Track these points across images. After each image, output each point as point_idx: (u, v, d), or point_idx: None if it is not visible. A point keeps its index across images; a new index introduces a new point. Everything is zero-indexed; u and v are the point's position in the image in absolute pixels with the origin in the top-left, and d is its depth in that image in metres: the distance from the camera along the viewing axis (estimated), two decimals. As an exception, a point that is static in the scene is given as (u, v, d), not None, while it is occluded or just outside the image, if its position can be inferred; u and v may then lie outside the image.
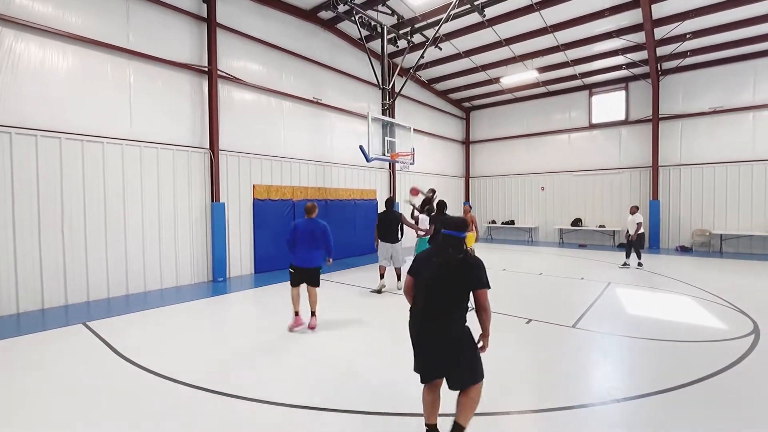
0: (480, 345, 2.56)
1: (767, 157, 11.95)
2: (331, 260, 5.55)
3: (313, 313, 5.32)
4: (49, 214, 6.32)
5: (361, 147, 8.80)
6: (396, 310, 6.12)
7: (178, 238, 7.99)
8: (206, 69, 8.36)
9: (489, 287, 2.45)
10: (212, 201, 8.47)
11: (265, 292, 7.52)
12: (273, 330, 5.26)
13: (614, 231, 14.49)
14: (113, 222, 7.06)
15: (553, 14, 10.55)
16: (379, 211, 8.79)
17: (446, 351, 2.44)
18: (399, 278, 7.74)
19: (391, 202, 7.68)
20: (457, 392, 2.52)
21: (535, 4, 10.04)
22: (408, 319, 2.62)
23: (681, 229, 13.34)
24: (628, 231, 9.98)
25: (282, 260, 9.83)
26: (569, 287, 7.77)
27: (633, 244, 9.86)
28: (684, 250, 12.97)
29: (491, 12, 10.20)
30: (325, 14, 10.64)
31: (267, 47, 9.69)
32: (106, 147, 6.98)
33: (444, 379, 2.54)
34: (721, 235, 12.50)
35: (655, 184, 13.46)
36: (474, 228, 7.66)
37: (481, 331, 2.56)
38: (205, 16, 8.38)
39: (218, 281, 8.37)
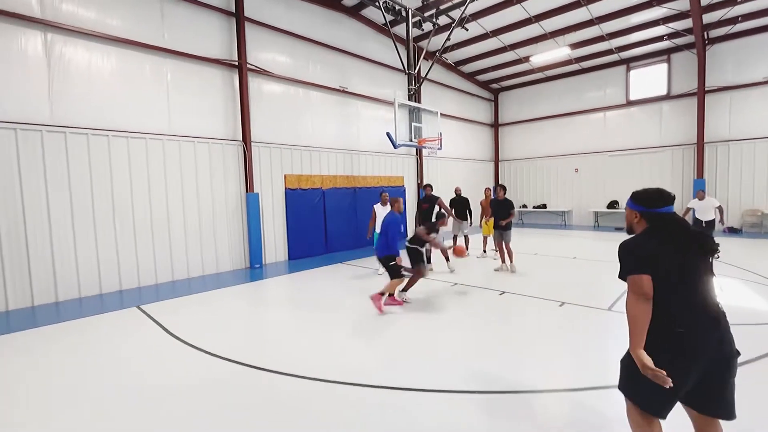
0: None
1: (830, 129, 10.95)
2: (398, 258, 5.45)
3: (383, 294, 5.35)
4: (101, 207, 6.83)
5: (388, 134, 8.82)
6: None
7: (217, 227, 8.41)
8: (236, 63, 8.61)
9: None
10: (247, 191, 8.81)
11: (299, 277, 7.82)
12: (308, 310, 5.50)
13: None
14: (157, 213, 7.52)
15: (586, -15, 10.03)
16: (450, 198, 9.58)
17: (731, 367, 1.84)
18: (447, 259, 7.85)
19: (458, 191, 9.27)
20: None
21: (567, -25, 9.56)
22: (662, 334, 1.83)
23: (729, 210, 12.52)
24: (694, 217, 8.56)
25: (314, 247, 10.16)
26: (604, 271, 7.56)
27: (709, 229, 8.30)
28: (733, 231, 12.22)
29: (520, -13, 9.83)
30: (349, 1, 10.61)
31: (293, 38, 9.83)
32: (149, 143, 7.40)
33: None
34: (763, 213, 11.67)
35: (701, 162, 12.67)
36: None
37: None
38: (234, 11, 8.60)
39: (255, 268, 8.77)
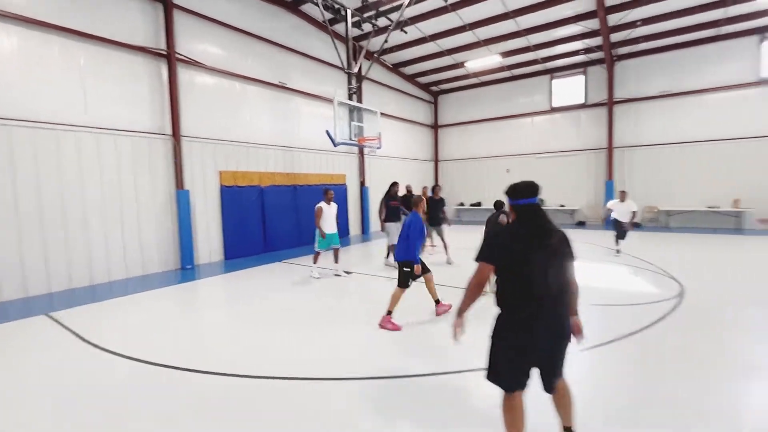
0: (575, 329, 2.25)
1: (709, 138, 12.90)
2: (417, 267, 4.68)
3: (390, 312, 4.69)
4: (2, 206, 6.11)
5: (327, 132, 8.86)
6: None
7: (143, 227, 7.88)
8: (165, 52, 8.12)
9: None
10: (177, 188, 8.36)
11: (234, 277, 7.61)
12: (237, 309, 5.42)
13: (573, 210, 15.31)
14: (72, 211, 6.88)
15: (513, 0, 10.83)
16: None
17: (560, 346, 2.15)
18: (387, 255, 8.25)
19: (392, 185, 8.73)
20: (551, 390, 2.27)
21: (496, -11, 10.26)
22: (508, 317, 2.15)
23: (633, 207, 14.27)
24: (612, 217, 8.77)
25: (252, 246, 9.91)
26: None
27: (621, 231, 8.66)
28: (636, 225, 13.89)
29: (453, -4, 10.36)
30: (288, -4, 10.46)
31: (227, 29, 9.47)
32: (60, 134, 6.74)
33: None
34: (668, 211, 13.51)
35: (610, 165, 14.28)
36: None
37: (573, 316, 2.27)
38: (160, -3, 8.10)
39: (186, 269, 8.36)
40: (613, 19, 11.54)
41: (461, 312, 2.28)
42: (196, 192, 8.86)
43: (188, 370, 3.61)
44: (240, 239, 9.64)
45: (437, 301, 5.07)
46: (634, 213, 8.59)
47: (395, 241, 7.92)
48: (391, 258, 8.15)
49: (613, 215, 8.76)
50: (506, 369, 2.16)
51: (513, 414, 2.17)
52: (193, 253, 8.64)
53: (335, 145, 8.91)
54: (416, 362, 3.67)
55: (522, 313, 2.10)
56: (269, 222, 10.37)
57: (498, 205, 6.37)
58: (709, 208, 12.80)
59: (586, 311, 5.01)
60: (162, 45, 8.14)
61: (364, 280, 7.15)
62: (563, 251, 2.16)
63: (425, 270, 4.95)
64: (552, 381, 2.22)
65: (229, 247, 9.44)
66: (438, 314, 4.99)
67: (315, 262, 7.35)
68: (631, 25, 11.88)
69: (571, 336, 2.20)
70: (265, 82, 10.37)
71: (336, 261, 7.48)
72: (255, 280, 7.36)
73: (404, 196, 9.22)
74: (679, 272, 6.85)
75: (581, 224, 14.90)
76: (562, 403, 2.29)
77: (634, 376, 3.36)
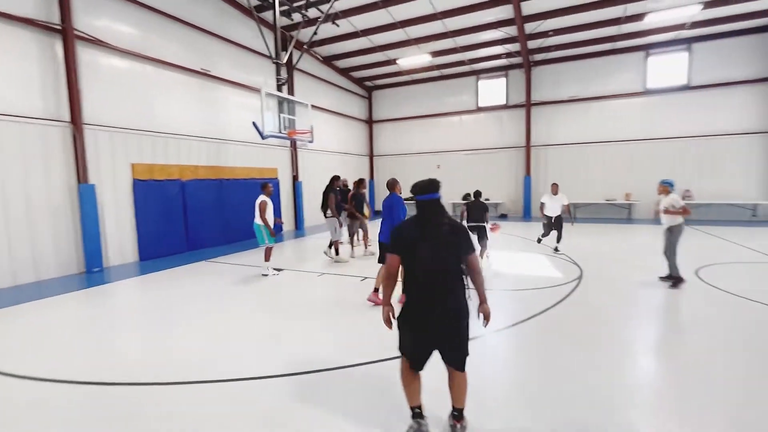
0: (482, 315, 2.42)
1: (607, 139, 14.68)
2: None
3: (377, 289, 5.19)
4: None
5: (254, 123, 8.50)
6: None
7: (35, 226, 6.91)
8: (59, 27, 7.14)
9: (475, 250, 2.40)
10: (79, 182, 7.45)
11: (151, 279, 7.02)
12: (158, 315, 5.04)
13: (497, 203, 16.48)
14: (-62, 209, 5.81)
15: (441, 1, 11.26)
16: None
17: (454, 329, 2.35)
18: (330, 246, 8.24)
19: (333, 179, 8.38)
20: (449, 373, 2.47)
21: (424, -10, 10.59)
22: (407, 303, 2.37)
23: (547, 200, 15.78)
24: (546, 214, 8.51)
25: (172, 245, 9.21)
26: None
27: (556, 227, 8.44)
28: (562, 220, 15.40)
29: (384, -7, 10.49)
30: (209, -23, 9.77)
31: (140, 8, 8.61)
32: None
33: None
34: (575, 203, 15.14)
35: (528, 161, 15.60)
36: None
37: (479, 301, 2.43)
38: (52, -37, 7.09)
39: (93, 272, 7.51)
40: (530, 27, 12.55)
41: (385, 302, 2.49)
42: (104, 186, 7.97)
43: (99, 383, 3.29)
44: (158, 238, 8.89)
45: (375, 290, 5.19)
46: (566, 206, 8.25)
47: (339, 236, 8.06)
48: (333, 251, 8.17)
49: (546, 210, 8.42)
50: (408, 347, 2.40)
51: (407, 380, 2.44)
52: (102, 254, 7.79)
53: (263, 137, 8.60)
54: (347, 353, 3.73)
55: (418, 300, 2.34)
56: (192, 218, 9.70)
57: (468, 196, 7.98)
58: (607, 201, 14.61)
59: (500, 296, 5.52)
60: (55, 18, 7.15)
61: (299, 278, 7.04)
62: (454, 242, 2.33)
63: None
64: (454, 359, 2.39)
65: (144, 247, 8.66)
66: (369, 300, 5.15)
67: (268, 260, 7.00)
68: (545, 34, 13.04)
69: (469, 317, 2.39)
70: (187, 68, 9.63)
71: (266, 259, 7.14)
72: (175, 281, 6.87)
73: (341, 190, 9.08)
74: (579, 258, 7.76)
75: (503, 216, 16.10)
76: (457, 386, 2.46)
77: (536, 353, 3.77)
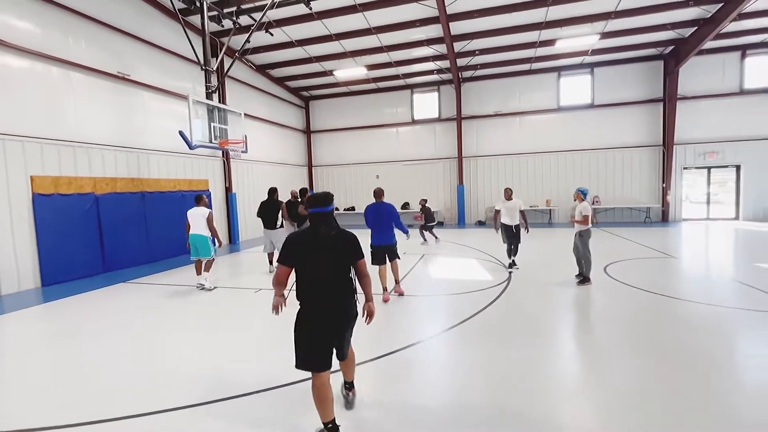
0: (366, 313, 2.71)
1: (528, 151, 16.09)
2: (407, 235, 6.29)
3: (397, 282, 6.13)
4: None
5: (181, 132, 7.97)
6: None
7: None
8: (-67, 18, 6.12)
9: (364, 256, 2.68)
10: (-39, 198, 6.37)
11: (55, 308, 6.17)
12: (51, 347, 4.46)
13: (434, 211, 17.09)
14: None
15: (375, 17, 11.59)
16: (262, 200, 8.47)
17: (344, 328, 2.62)
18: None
19: (272, 191, 8.28)
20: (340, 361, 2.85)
21: (358, 5, 10.83)
22: (301, 310, 2.55)
23: (479, 207, 16.81)
24: (500, 224, 7.63)
25: (84, 266, 8.22)
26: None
27: (513, 238, 7.49)
28: (480, 224, 16.43)
29: (317, 6, 10.54)
30: (127, -26, 9.05)
31: (44, 3, 7.69)
32: None
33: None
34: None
35: (460, 171, 16.51)
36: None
37: (364, 300, 2.75)
38: (-75, -56, 6.08)
39: (-20, 302, 6.42)
40: (458, 46, 13.41)
41: (277, 295, 2.68)
42: (-5, 203, 6.90)
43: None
44: (65, 259, 7.88)
45: (385, 288, 5.87)
46: (522, 213, 7.45)
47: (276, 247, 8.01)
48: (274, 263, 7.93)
49: (503, 219, 7.55)
50: (309, 354, 2.50)
51: (321, 396, 2.49)
52: (-8, 281, 6.71)
53: (191, 147, 8.10)
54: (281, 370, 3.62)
55: (309, 307, 2.54)
56: (108, 236, 8.75)
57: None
58: (531, 207, 15.96)
59: (437, 301, 5.75)
60: (-71, 8, 6.12)
61: (236, 295, 6.66)
62: (343, 251, 2.58)
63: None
64: (343, 353, 2.76)
65: (48, 271, 7.60)
66: (397, 290, 6.08)
67: (208, 271, 7.06)
68: (472, 53, 14.02)
69: (358, 317, 2.71)
70: (101, 71, 8.76)
71: (207, 270, 7.03)
72: (84, 308, 6.11)
73: (288, 201, 8.60)
74: (506, 260, 8.35)
75: (440, 224, 16.79)
76: (347, 365, 2.92)
77: (472, 353, 3.99)
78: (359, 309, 2.71)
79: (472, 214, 16.86)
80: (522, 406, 2.93)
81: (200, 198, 6.98)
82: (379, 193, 6.01)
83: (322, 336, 2.51)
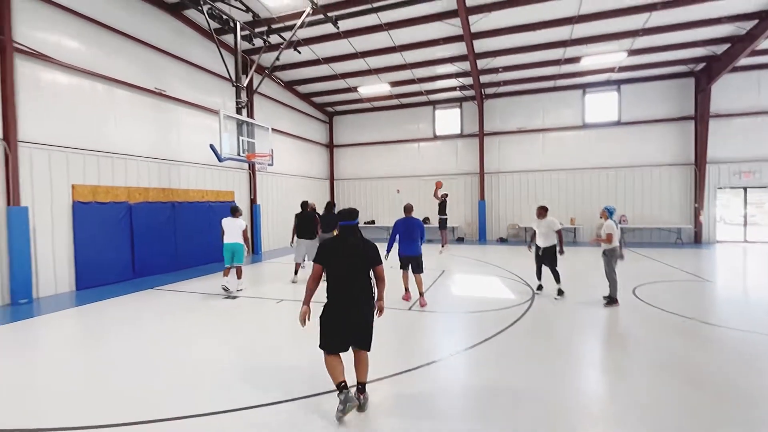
0: (377, 308, 3.22)
1: (552, 168, 15.85)
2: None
3: (421, 294, 6.46)
4: None
5: (211, 146, 8.30)
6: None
7: (-47, 252, 6.18)
8: (-4, 39, 6.68)
9: (382, 263, 3.25)
10: (8, 204, 6.80)
11: (89, 311, 6.43)
12: (85, 349, 4.63)
13: (453, 227, 17.04)
14: None
15: (399, 36, 11.86)
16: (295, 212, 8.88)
17: (359, 321, 3.10)
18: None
19: (305, 204, 8.72)
20: (355, 355, 3.22)
21: (384, 24, 11.13)
22: (328, 303, 3.12)
23: (500, 224, 16.58)
24: (535, 243, 7.07)
25: (116, 272, 8.56)
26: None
27: (548, 260, 6.82)
28: (502, 240, 16.17)
29: (345, 25, 10.88)
30: (168, -2, 9.64)
31: (90, 23, 8.27)
32: None
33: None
34: (526, 228, 16.03)
35: (482, 187, 16.39)
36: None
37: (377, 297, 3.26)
38: (-7, -27, 6.69)
39: (19, 303, 6.77)
40: (482, 63, 13.51)
41: (305, 303, 3.12)
42: (39, 209, 7.33)
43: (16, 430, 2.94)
44: (99, 264, 8.23)
45: (406, 289, 6.67)
46: (558, 233, 6.74)
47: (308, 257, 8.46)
48: (299, 274, 8.42)
49: (537, 240, 7.00)
50: (328, 338, 3.09)
51: (332, 366, 3.07)
52: (32, 283, 7.07)
53: (220, 160, 8.41)
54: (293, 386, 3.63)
55: (334, 301, 3.10)
56: (140, 243, 9.10)
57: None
58: (555, 225, 15.60)
59: (459, 318, 5.67)
60: (-7, 30, 6.68)
61: (251, 303, 6.78)
62: (364, 256, 3.12)
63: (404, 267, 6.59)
64: (362, 342, 3.13)
65: (83, 275, 7.96)
66: (404, 299, 6.63)
67: (240, 277, 7.70)
68: (495, 70, 14.08)
69: (374, 314, 3.20)
70: (140, 87, 9.27)
71: (239, 277, 7.69)
72: (115, 312, 6.35)
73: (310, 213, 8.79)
74: (530, 279, 8.17)
75: (461, 240, 16.64)
76: (360, 367, 3.20)
77: (493, 373, 3.91)
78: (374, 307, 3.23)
79: (494, 231, 16.62)
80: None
81: (237, 209, 7.65)
82: (409, 209, 6.60)
83: (339, 325, 3.06)
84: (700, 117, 13.79)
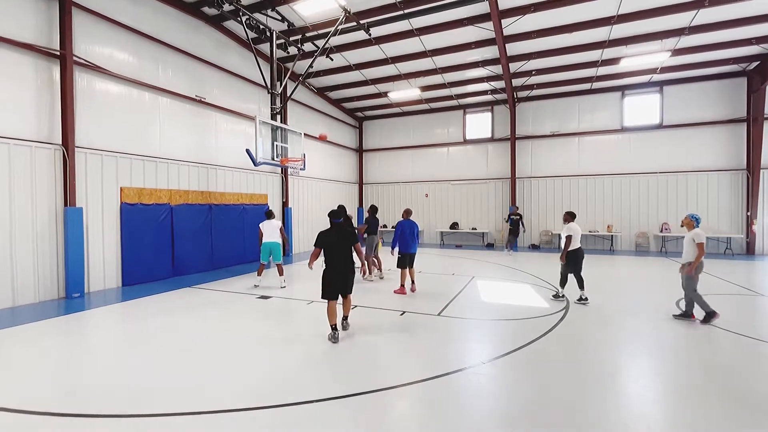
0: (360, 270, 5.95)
1: (588, 173, 15.29)
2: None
3: (413, 282, 7.85)
4: None
5: (248, 150, 8.63)
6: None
7: (16, 250, 6.74)
8: (58, 53, 7.26)
9: (358, 241, 5.32)
10: (66, 205, 7.35)
11: (133, 306, 6.82)
12: (130, 343, 4.90)
13: (483, 233, 16.75)
14: None
15: (430, 41, 11.88)
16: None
17: (345, 279, 5.06)
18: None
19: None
20: (343, 299, 5.22)
21: (415, 29, 11.18)
22: (326, 269, 5.01)
23: (532, 231, 16.13)
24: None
25: (157, 270, 9.02)
26: (441, 282, 8.84)
27: (573, 267, 6.84)
28: (534, 247, 15.72)
29: (376, 32, 11.02)
30: (209, 10, 10.14)
31: (139, 36, 8.83)
32: None
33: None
34: (559, 234, 15.49)
35: (513, 192, 16.04)
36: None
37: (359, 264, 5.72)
38: (56, -7, 7.30)
39: (73, 297, 7.28)
40: (513, 66, 13.28)
41: (310, 263, 5.20)
42: (92, 210, 7.88)
43: (85, 415, 3.17)
44: (143, 263, 8.72)
45: (402, 285, 7.71)
46: (565, 238, 6.86)
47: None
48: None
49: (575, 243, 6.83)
50: (327, 290, 5.00)
51: (332, 311, 4.95)
52: (84, 279, 7.59)
53: (255, 164, 8.72)
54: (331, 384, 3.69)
55: (331, 268, 5.01)
56: (179, 243, 9.57)
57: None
58: (590, 232, 15.02)
59: (489, 325, 5.57)
60: (54, 44, 7.28)
61: (284, 303, 6.96)
62: (347, 239, 5.08)
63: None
64: (346, 292, 5.14)
65: (128, 272, 8.46)
66: (395, 292, 7.62)
67: (281, 273, 8.37)
68: (528, 73, 13.79)
69: (354, 273, 5.25)
70: (182, 95, 9.79)
71: (280, 273, 8.37)
72: (159, 308, 6.69)
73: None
74: (565, 288, 7.89)
75: (490, 246, 16.32)
76: (346, 304, 5.28)
77: (528, 381, 3.81)
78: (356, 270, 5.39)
79: (525, 237, 16.19)
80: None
81: (271, 213, 8.43)
82: (410, 212, 8.06)
83: (334, 282, 4.98)
84: (754, 119, 12.88)
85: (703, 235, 5.51)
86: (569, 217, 7.06)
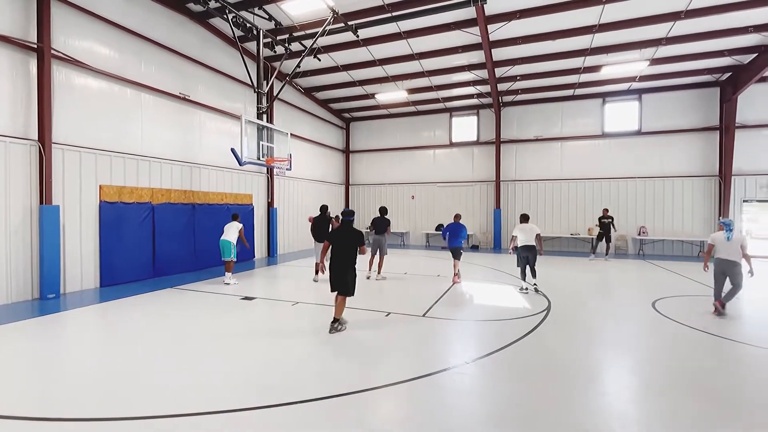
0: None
1: (570, 177, 15.65)
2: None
3: (457, 274, 8.83)
4: None
5: (233, 149, 8.53)
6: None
7: (-12, 247, 6.49)
8: (35, 46, 7.04)
9: (364, 244, 5.45)
10: (41, 203, 7.11)
11: (110, 307, 6.63)
12: (102, 345, 4.78)
13: (468, 234, 16.91)
14: None
15: (418, 44, 11.98)
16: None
17: (345, 276, 5.25)
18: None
19: (324, 209, 9.23)
20: (338, 298, 5.36)
21: (403, 32, 11.26)
22: (330, 262, 5.39)
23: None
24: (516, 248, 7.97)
25: (137, 271, 8.81)
26: (426, 284, 8.91)
27: (524, 262, 7.85)
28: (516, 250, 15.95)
29: (364, 33, 11.04)
30: (195, 7, 9.99)
31: (122, 31, 8.63)
32: None
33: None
34: (542, 236, 15.78)
35: (498, 195, 16.29)
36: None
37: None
38: (34, -16, 7.08)
39: (48, 298, 7.04)
40: (499, 71, 13.50)
41: (322, 258, 5.84)
42: (69, 208, 7.64)
43: (57, 419, 3.07)
44: (122, 263, 8.50)
45: (456, 274, 8.77)
46: (537, 236, 7.82)
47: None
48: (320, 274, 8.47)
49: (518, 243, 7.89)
50: (332, 283, 5.34)
51: (336, 303, 5.35)
52: (60, 279, 7.35)
53: (240, 164, 8.63)
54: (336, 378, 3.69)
55: (335, 259, 5.32)
56: (160, 243, 9.37)
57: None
58: (572, 235, 15.37)
59: (473, 327, 5.65)
60: (32, 37, 7.05)
61: (268, 305, 6.89)
62: (354, 239, 5.34)
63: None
64: (339, 292, 5.29)
65: (106, 272, 8.24)
66: (454, 282, 8.70)
67: (230, 271, 8.54)
68: (513, 78, 14.05)
69: (354, 273, 5.40)
70: (165, 92, 9.60)
71: (227, 270, 8.51)
72: (138, 309, 6.54)
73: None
74: (547, 289, 8.07)
75: (475, 248, 16.52)
76: (337, 305, 5.31)
77: (511, 380, 3.88)
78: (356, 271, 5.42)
79: (509, 239, 16.40)
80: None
81: (236, 216, 8.88)
82: (458, 216, 9.31)
83: (332, 276, 5.30)
84: (726, 127, 13.44)
85: (715, 238, 6.23)
86: (522, 218, 8.28)
